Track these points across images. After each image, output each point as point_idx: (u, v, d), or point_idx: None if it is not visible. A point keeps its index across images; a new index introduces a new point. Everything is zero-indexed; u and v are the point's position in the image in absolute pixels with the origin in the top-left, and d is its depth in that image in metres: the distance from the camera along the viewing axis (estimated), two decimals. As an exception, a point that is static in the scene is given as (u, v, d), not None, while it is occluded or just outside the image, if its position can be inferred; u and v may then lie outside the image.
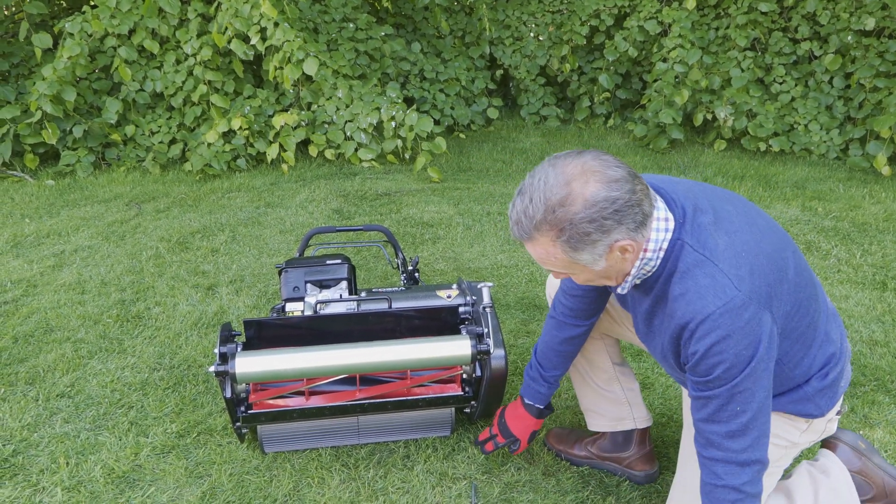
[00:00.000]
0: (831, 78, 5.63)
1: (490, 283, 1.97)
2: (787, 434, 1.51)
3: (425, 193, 4.71)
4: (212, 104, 5.35)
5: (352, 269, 2.32)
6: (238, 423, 1.93)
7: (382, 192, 4.71)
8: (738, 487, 1.32)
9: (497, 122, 6.98)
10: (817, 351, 1.46)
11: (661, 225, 1.33)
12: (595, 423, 1.98)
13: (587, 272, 1.32)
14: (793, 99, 5.67)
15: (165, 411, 2.26)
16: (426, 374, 1.99)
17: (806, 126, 5.55)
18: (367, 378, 2.01)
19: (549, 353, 1.80)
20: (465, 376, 2.03)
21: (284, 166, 5.22)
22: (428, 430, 2.11)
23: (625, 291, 1.40)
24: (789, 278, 1.36)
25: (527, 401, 1.85)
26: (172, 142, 5.50)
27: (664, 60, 6.04)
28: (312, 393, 1.97)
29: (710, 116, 5.83)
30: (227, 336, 1.85)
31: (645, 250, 1.32)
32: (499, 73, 7.16)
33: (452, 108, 6.42)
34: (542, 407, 1.84)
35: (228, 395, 1.82)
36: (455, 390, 1.99)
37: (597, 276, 1.34)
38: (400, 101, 5.47)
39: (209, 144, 5.19)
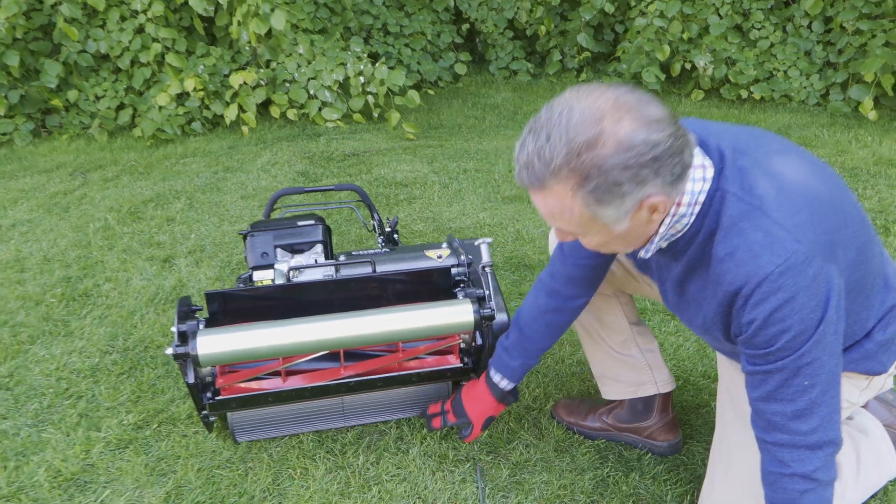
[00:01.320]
0: (810, 23, 5.45)
1: (488, 239, 1.72)
2: (847, 395, 1.31)
3: (396, 152, 4.42)
4: (167, 64, 4.94)
5: (327, 231, 2.05)
6: (205, 412, 1.66)
7: (350, 153, 4.40)
8: (809, 475, 1.11)
9: (465, 77, 6.67)
10: (878, 301, 1.25)
11: (699, 174, 1.10)
12: (610, 391, 1.76)
13: (604, 233, 1.08)
14: (772, 45, 5.48)
15: (120, 400, 1.98)
16: (420, 346, 1.74)
17: (785, 72, 5.37)
18: (351, 352, 1.76)
19: (534, 322, 1.55)
20: (463, 345, 1.79)
21: (245, 128, 4.86)
22: (422, 407, 1.87)
23: (648, 255, 1.17)
24: (850, 219, 1.14)
25: (492, 376, 1.60)
26: (120, 107, 5.09)
27: (643, 14, 5.78)
28: (290, 373, 1.71)
29: (688, 66, 5.61)
30: (187, 312, 1.58)
31: (678, 204, 1.08)
32: (465, 27, 6.83)
33: (419, 64, 6.09)
34: (506, 389, 1.61)
35: (191, 380, 1.55)
36: (453, 362, 1.76)
37: (614, 238, 1.10)
38: (365, 56, 5.13)
39: (160, 108, 4.80)
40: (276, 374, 1.70)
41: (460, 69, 6.35)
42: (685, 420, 1.86)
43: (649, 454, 1.74)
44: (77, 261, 2.90)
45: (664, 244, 1.16)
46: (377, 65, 4.88)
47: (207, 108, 4.94)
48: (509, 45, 6.73)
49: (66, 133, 4.95)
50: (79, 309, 2.51)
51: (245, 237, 1.99)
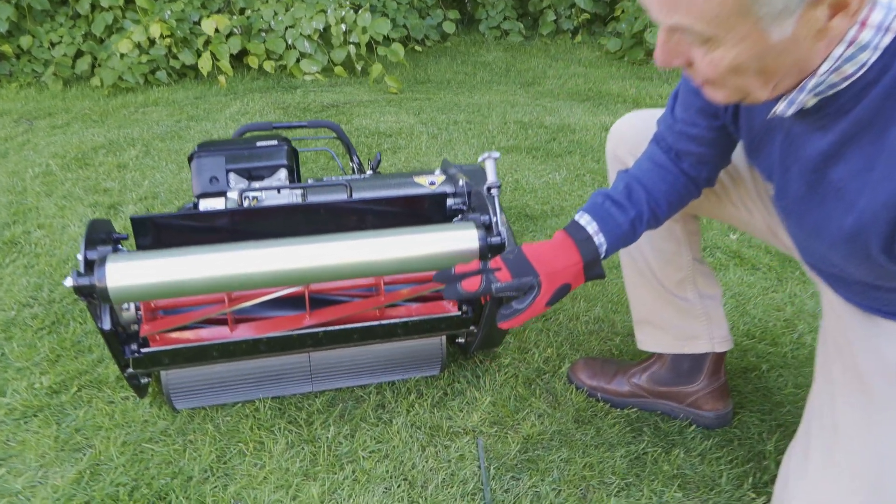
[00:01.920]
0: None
1: (495, 154, 1.35)
2: None
3: (379, 104, 4.02)
4: (137, 6, 4.49)
5: (293, 155, 1.67)
6: (130, 370, 1.29)
7: (329, 104, 4.01)
8: None
9: (454, 37, 6.27)
10: None
11: None
12: (651, 341, 1.41)
13: (749, 43, 0.71)
14: None
15: (35, 360, 1.60)
16: (406, 290, 1.38)
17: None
18: (319, 298, 1.39)
19: (655, 176, 1.13)
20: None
21: (222, 78, 4.44)
22: (408, 369, 1.51)
23: (789, 111, 0.80)
24: None
25: (585, 225, 1.08)
26: (78, 55, 4.63)
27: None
28: (240, 320, 1.34)
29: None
30: (100, 237, 1.20)
31: (862, 24, 0.71)
32: (455, -18, 6.42)
33: (405, 18, 5.68)
34: (601, 250, 1.07)
35: (107, 326, 1.18)
36: (449, 309, 1.39)
37: (757, 59, 0.72)
38: (347, 3, 4.71)
39: (122, 55, 4.36)
40: (223, 321, 1.33)
41: (448, 28, 5.95)
42: (731, 386, 1.51)
43: (693, 426, 1.39)
44: (7, 206, 2.49)
45: (813, 100, 0.78)
46: (360, 12, 4.48)
47: (175, 56, 4.51)
48: (500, 4, 6.34)
49: (15, 81, 4.50)
50: (0, 258, 2.11)
51: (191, 159, 1.60)
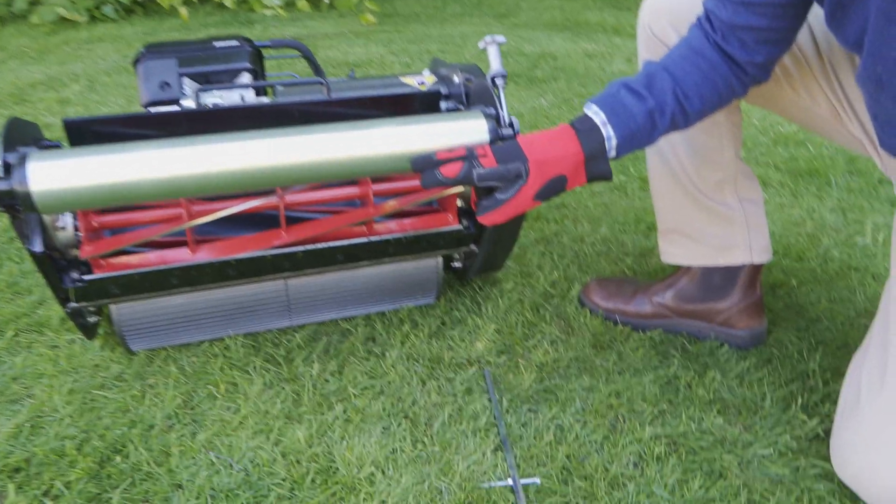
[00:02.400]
0: None
1: (500, 38, 1.15)
2: None
3: (346, 37, 3.76)
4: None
5: (257, 57, 1.44)
6: (72, 304, 1.08)
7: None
8: None
9: (421, -27, 5.94)
10: None
11: None
12: (680, 253, 1.24)
13: None
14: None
15: (-36, 303, 1.38)
16: (395, 201, 1.18)
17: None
18: (296, 215, 1.19)
19: (684, 57, 0.95)
20: (461, 204, 1.24)
21: (184, 10, 4.10)
22: (400, 297, 1.32)
23: None
24: None
25: (592, 116, 0.93)
26: (12, -8, 4.24)
27: None
28: (203, 241, 1.13)
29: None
30: (22, 138, 0.98)
31: None
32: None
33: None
34: (610, 147, 0.92)
35: (38, 247, 0.96)
36: (449, 223, 1.20)
37: None
38: (305, -70, 4.38)
39: (61, -10, 3.99)
40: (182, 243, 1.12)
41: (415, -39, 5.62)
42: (761, 303, 1.36)
43: (724, 347, 1.24)
44: (-68, 144, 2.21)
45: None
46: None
47: (122, -10, 4.16)
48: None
49: (-58, 21, 4.10)
50: (-76, 196, 1.85)
51: (136, 64, 1.37)
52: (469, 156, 0.92)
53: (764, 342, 1.25)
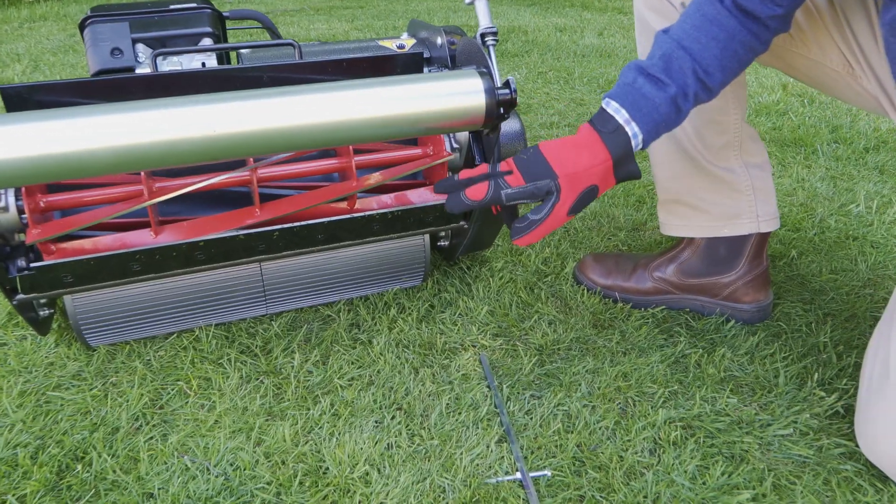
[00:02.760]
0: None
1: (487, -6, 1.06)
2: None
3: (306, 14, 3.61)
4: None
5: (218, 20, 1.32)
6: (19, 295, 0.96)
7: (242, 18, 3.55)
8: None
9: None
10: None
11: None
12: (682, 224, 1.17)
13: None
14: None
15: None
16: (379, 175, 1.08)
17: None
18: (267, 194, 1.09)
19: (700, 28, 0.86)
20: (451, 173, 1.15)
21: None
22: (385, 279, 1.23)
23: None
24: None
25: (614, 113, 0.85)
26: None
27: None
28: (166, 222, 1.02)
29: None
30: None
31: None
32: None
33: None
34: (636, 142, 0.86)
35: (-25, 231, 0.84)
36: (437, 197, 1.11)
37: None
38: None
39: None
40: (143, 224, 1.01)
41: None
42: (763, 275, 1.30)
43: (731, 322, 1.18)
44: None
45: None
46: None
47: (62, -33, 3.93)
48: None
49: None
50: None
51: (83, 28, 1.23)
52: (493, 174, 0.86)
53: (770, 316, 1.19)
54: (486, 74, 0.92)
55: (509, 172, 0.86)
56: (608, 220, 1.50)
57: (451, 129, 0.92)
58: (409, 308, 1.20)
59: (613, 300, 1.23)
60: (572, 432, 0.94)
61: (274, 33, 1.78)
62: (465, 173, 0.88)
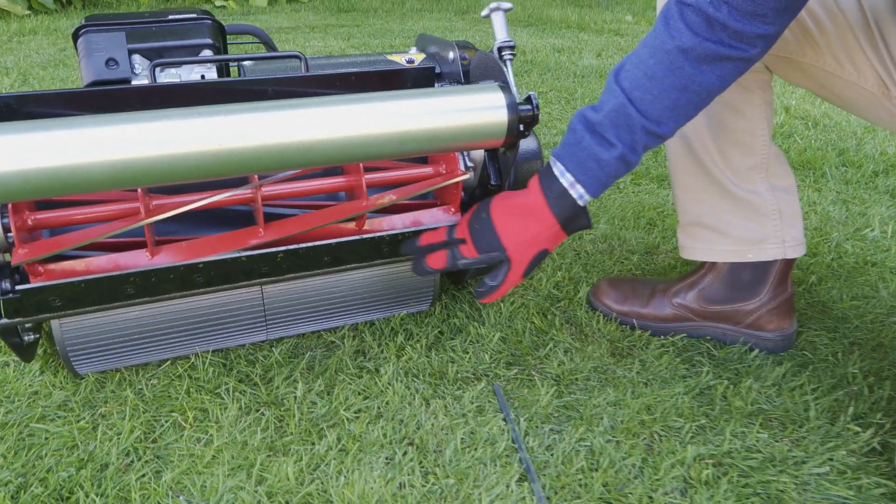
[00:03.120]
0: None
1: (505, 4, 1.01)
2: None
3: (302, 31, 3.57)
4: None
5: (219, 31, 1.27)
6: (2, 321, 0.89)
7: (239, 33, 3.51)
8: None
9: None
10: None
11: None
12: (704, 248, 1.12)
13: None
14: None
15: None
16: (390, 194, 1.02)
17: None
18: (273, 211, 1.03)
19: (646, 89, 0.82)
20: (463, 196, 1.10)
21: None
22: (392, 304, 1.17)
23: None
24: None
25: (559, 176, 0.85)
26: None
27: None
28: (163, 241, 0.96)
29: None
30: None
31: None
32: None
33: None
34: (580, 202, 0.86)
35: (-44, 250, 0.78)
36: (451, 216, 1.05)
37: None
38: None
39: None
40: (138, 244, 0.94)
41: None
42: (783, 302, 1.25)
43: (754, 351, 1.12)
44: None
45: None
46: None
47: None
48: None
49: None
50: None
51: (77, 38, 1.18)
52: (451, 242, 0.92)
53: (794, 345, 1.14)
54: (507, 89, 0.87)
55: (463, 241, 0.90)
56: (619, 244, 1.45)
57: (469, 147, 0.87)
58: (418, 334, 1.14)
59: (631, 327, 1.17)
60: (597, 470, 0.88)
61: (272, 49, 1.74)
62: (425, 238, 0.94)
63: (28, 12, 3.75)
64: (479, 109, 0.85)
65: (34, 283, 0.85)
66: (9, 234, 0.84)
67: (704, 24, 0.77)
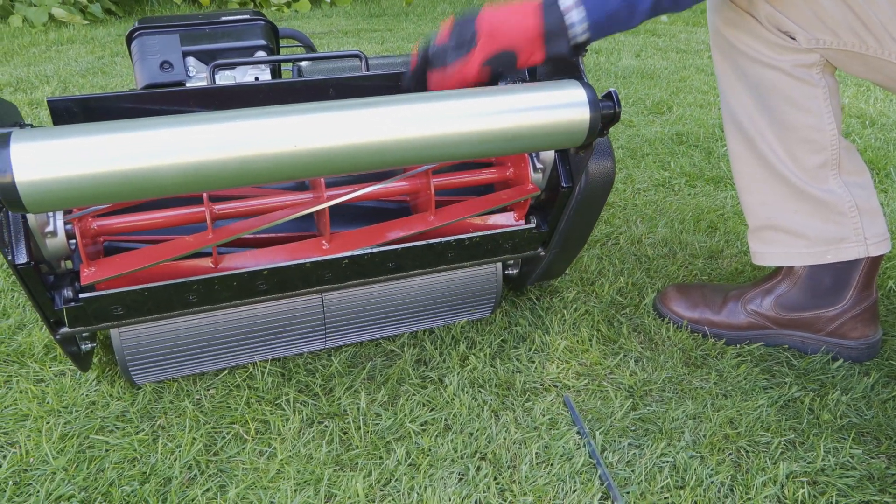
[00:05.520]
0: None
1: (576, -2, 0.97)
2: None
3: (335, 36, 3.56)
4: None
5: (272, 32, 1.24)
6: (64, 329, 0.86)
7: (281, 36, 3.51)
8: None
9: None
10: None
11: None
12: (778, 252, 1.06)
13: None
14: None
15: (-74, 330, 1.15)
16: (464, 202, 0.99)
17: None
18: (338, 210, 1.00)
19: None
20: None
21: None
22: (453, 311, 1.13)
23: None
24: None
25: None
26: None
27: None
28: (223, 247, 0.93)
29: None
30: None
31: None
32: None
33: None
34: (575, 34, 0.82)
35: (22, 257, 0.75)
36: (514, 222, 1.01)
37: None
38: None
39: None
40: (198, 252, 0.91)
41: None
42: (862, 308, 1.19)
43: (837, 361, 1.06)
44: None
45: None
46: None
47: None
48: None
49: None
50: None
51: (131, 41, 1.16)
52: (428, 38, 0.87)
53: (878, 353, 1.08)
54: (589, 85, 0.83)
55: (440, 33, 0.85)
56: (681, 248, 1.40)
57: (548, 147, 0.82)
58: (480, 343, 1.10)
59: (703, 335, 1.12)
60: (684, 488, 0.83)
61: (312, 52, 1.72)
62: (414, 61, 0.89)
63: (86, 22, 3.79)
64: (560, 106, 0.80)
65: (99, 292, 0.82)
66: (72, 241, 0.82)
67: None
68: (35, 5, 3.72)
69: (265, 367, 1.04)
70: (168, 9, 4.19)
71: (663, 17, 4.17)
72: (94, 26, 3.81)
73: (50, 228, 0.80)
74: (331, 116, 0.72)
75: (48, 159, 0.63)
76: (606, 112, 0.83)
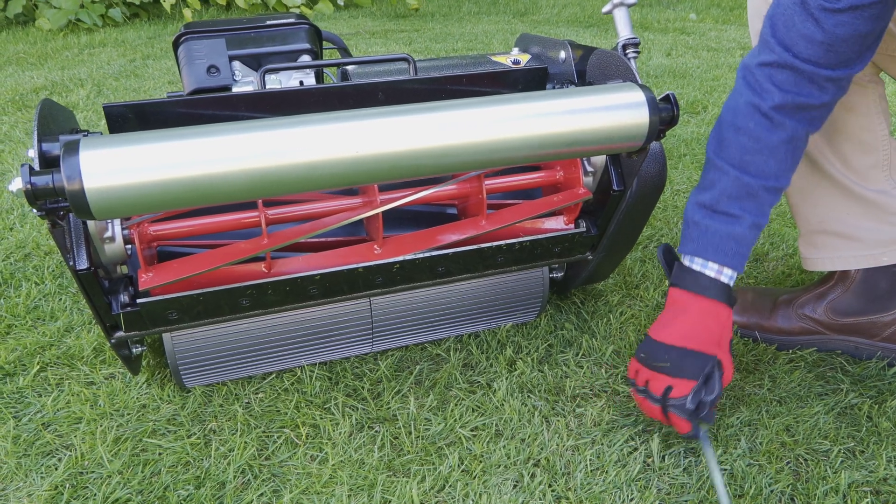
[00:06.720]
0: None
1: (629, -1, 0.96)
2: None
3: (363, 37, 3.57)
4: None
5: (316, 36, 1.24)
6: (119, 334, 0.87)
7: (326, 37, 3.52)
8: None
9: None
10: None
11: None
12: (831, 257, 1.04)
13: None
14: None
15: (-23, 332, 1.16)
16: (519, 205, 0.98)
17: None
18: (392, 214, 0.99)
19: (755, 151, 0.85)
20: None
21: (188, 11, 3.91)
22: (499, 314, 1.12)
23: None
24: None
25: (703, 269, 0.86)
26: (6, -3, 4.04)
27: None
28: (277, 253, 0.93)
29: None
30: (58, 124, 0.77)
31: None
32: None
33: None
34: (734, 278, 0.87)
35: (83, 263, 0.76)
36: (564, 226, 1.00)
37: None
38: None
39: (64, -6, 3.80)
40: (252, 257, 0.91)
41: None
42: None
43: (894, 368, 1.04)
44: (-71, 153, 2.00)
45: None
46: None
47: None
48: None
49: (-66, 28, 3.89)
50: (-77, 210, 1.64)
51: (177, 45, 1.16)
52: (665, 402, 0.85)
53: (935, 360, 1.06)
54: (646, 87, 0.82)
55: (669, 388, 0.84)
56: (725, 250, 1.38)
57: (606, 150, 0.82)
58: (527, 347, 1.09)
59: (753, 340, 1.10)
60: (743, 497, 0.82)
61: (346, 55, 1.72)
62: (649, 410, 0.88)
63: (96, 25, 3.83)
64: (618, 109, 0.79)
65: (156, 297, 0.82)
66: (128, 247, 0.82)
67: (792, 79, 0.81)
68: (56, 7, 3.76)
69: (313, 371, 1.04)
70: (202, 14, 4.22)
71: (692, 15, 4.12)
72: (124, 29, 3.85)
73: (108, 234, 0.80)
74: (392, 122, 0.72)
75: (116, 167, 0.63)
76: (665, 114, 0.82)
